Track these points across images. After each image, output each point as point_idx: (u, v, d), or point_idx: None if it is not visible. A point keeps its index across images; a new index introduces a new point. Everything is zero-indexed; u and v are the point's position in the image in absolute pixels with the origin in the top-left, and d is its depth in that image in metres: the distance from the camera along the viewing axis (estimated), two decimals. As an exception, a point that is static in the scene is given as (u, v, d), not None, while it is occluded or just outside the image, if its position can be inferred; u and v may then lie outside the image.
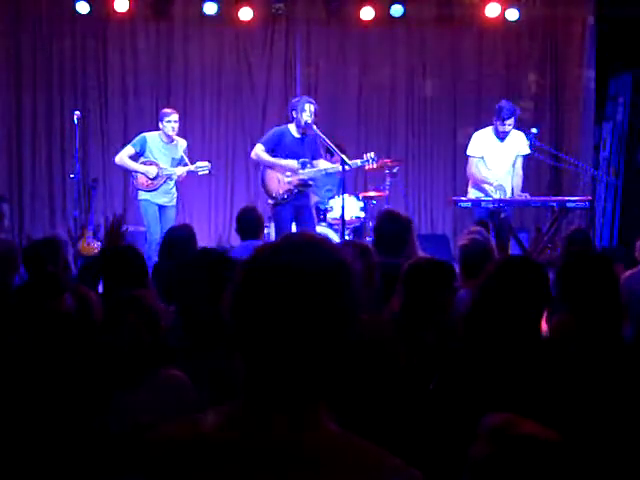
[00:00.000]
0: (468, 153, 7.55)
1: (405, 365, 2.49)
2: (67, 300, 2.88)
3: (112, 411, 2.44)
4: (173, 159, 7.72)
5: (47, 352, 2.54)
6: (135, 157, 7.70)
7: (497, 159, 7.43)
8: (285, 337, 1.23)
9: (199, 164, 7.75)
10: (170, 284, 4.20)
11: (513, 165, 7.48)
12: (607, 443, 2.35)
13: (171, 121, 7.67)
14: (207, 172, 7.83)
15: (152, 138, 7.74)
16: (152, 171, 7.61)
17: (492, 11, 9.75)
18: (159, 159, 7.67)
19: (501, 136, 7.39)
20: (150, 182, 7.62)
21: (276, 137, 7.17)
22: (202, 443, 1.25)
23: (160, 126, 7.75)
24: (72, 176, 8.57)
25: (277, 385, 1.25)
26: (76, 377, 2.50)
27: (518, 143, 7.42)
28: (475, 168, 7.46)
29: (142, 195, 7.66)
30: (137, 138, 7.79)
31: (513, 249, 7.25)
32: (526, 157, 7.62)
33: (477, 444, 1.62)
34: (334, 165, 7.13)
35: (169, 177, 7.66)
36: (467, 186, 7.62)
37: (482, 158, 7.44)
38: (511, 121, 7.29)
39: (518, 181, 7.50)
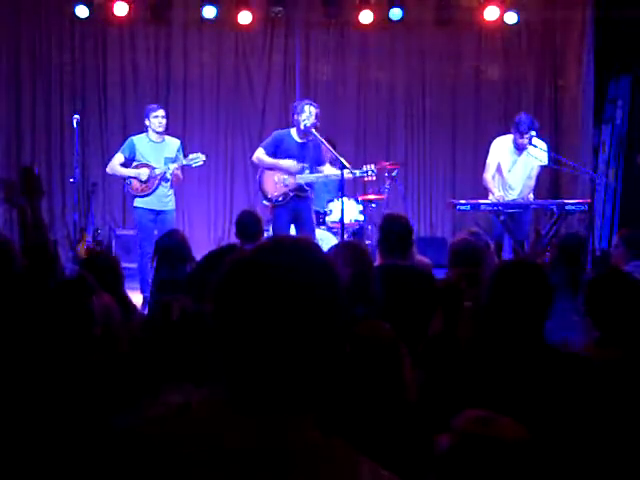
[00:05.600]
0: (487, 160, 7.61)
1: (408, 369, 2.48)
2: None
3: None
4: (166, 158, 7.46)
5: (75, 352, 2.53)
6: (128, 163, 7.50)
7: (513, 168, 7.48)
8: (265, 336, 1.22)
9: (191, 156, 7.49)
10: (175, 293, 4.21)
11: (529, 175, 7.53)
12: (585, 447, 2.36)
13: (158, 116, 7.44)
14: (201, 163, 7.56)
15: (140, 140, 7.54)
16: (144, 173, 7.39)
17: (491, 14, 9.75)
18: (151, 160, 7.44)
19: (520, 147, 7.43)
20: (144, 185, 7.39)
21: (277, 141, 7.18)
22: (180, 442, 1.23)
23: (147, 123, 7.52)
24: (71, 180, 8.57)
25: (256, 387, 1.24)
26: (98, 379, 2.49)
27: (538, 154, 7.45)
28: (488, 175, 7.51)
29: (138, 202, 7.47)
30: (125, 143, 7.62)
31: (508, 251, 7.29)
32: (542, 166, 7.66)
33: (444, 437, 1.63)
34: (337, 172, 7.12)
35: (163, 178, 7.40)
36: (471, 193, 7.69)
37: (499, 166, 7.50)
38: (530, 134, 7.34)
39: (527, 190, 7.53)
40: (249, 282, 1.24)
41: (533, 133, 7.60)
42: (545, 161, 7.53)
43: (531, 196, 7.64)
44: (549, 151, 7.55)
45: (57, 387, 2.41)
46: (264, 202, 7.26)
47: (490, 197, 7.51)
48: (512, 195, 7.49)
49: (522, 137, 7.34)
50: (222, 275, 1.28)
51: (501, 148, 7.53)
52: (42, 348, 2.53)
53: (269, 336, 1.22)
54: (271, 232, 7.53)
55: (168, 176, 7.42)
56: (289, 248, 1.29)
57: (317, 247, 1.33)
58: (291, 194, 7.09)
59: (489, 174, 7.53)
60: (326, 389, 1.27)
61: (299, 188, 7.11)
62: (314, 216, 7.53)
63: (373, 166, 7.20)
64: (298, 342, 1.23)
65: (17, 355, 2.53)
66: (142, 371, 2.40)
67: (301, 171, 7.11)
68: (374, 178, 7.34)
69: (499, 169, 7.51)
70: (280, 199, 7.10)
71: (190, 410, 1.29)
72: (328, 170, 7.24)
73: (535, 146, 7.50)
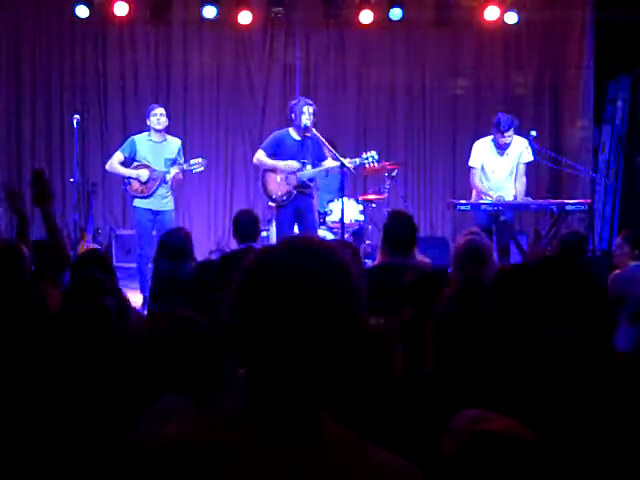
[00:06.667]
0: (469, 164, 7.57)
1: (402, 366, 2.48)
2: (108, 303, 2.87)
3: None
4: (166, 159, 7.46)
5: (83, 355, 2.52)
6: (128, 163, 7.49)
7: (496, 168, 7.45)
8: (288, 339, 1.23)
9: (192, 162, 7.49)
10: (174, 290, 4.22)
11: (515, 173, 7.48)
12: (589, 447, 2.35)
13: (157, 114, 7.45)
14: (202, 169, 7.57)
15: (140, 140, 7.53)
16: (144, 174, 7.38)
17: (491, 14, 9.74)
18: (151, 161, 7.43)
19: (502, 147, 7.38)
20: (144, 186, 7.37)
21: (276, 141, 7.20)
22: (204, 447, 1.24)
23: (147, 123, 7.55)
24: (71, 180, 8.58)
25: (281, 388, 1.25)
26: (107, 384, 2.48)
27: (520, 151, 7.42)
28: (477, 179, 7.48)
29: (137, 202, 7.46)
30: (126, 142, 7.62)
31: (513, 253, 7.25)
32: (529, 164, 7.62)
33: (448, 438, 1.63)
34: (337, 163, 7.07)
35: (163, 180, 7.39)
36: (471, 194, 7.65)
37: (482, 168, 7.47)
38: (511, 132, 7.30)
39: (521, 187, 7.50)
40: (268, 286, 1.25)
41: (533, 133, 7.59)
42: (531, 157, 7.51)
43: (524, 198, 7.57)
44: (531, 143, 7.50)
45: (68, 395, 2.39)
46: (270, 204, 7.26)
47: (471, 197, 7.48)
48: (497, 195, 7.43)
49: (503, 136, 7.31)
50: (240, 279, 1.28)
51: (483, 150, 7.49)
52: (53, 357, 2.52)
53: (290, 338, 1.23)
54: (272, 232, 7.54)
55: (168, 179, 7.41)
56: (305, 249, 1.29)
57: (333, 247, 1.33)
58: (295, 192, 7.10)
59: (477, 178, 7.50)
60: (339, 384, 1.28)
61: (302, 184, 7.12)
62: (317, 214, 7.53)
63: (374, 152, 7.13)
64: (319, 342, 1.24)
65: (28, 361, 2.53)
66: (137, 377, 2.40)
67: (301, 168, 7.12)
68: (376, 165, 7.27)
69: (483, 171, 7.48)
70: (285, 198, 7.12)
71: (223, 423, 1.29)
72: (330, 164, 7.19)
73: (535, 147, 7.49)
